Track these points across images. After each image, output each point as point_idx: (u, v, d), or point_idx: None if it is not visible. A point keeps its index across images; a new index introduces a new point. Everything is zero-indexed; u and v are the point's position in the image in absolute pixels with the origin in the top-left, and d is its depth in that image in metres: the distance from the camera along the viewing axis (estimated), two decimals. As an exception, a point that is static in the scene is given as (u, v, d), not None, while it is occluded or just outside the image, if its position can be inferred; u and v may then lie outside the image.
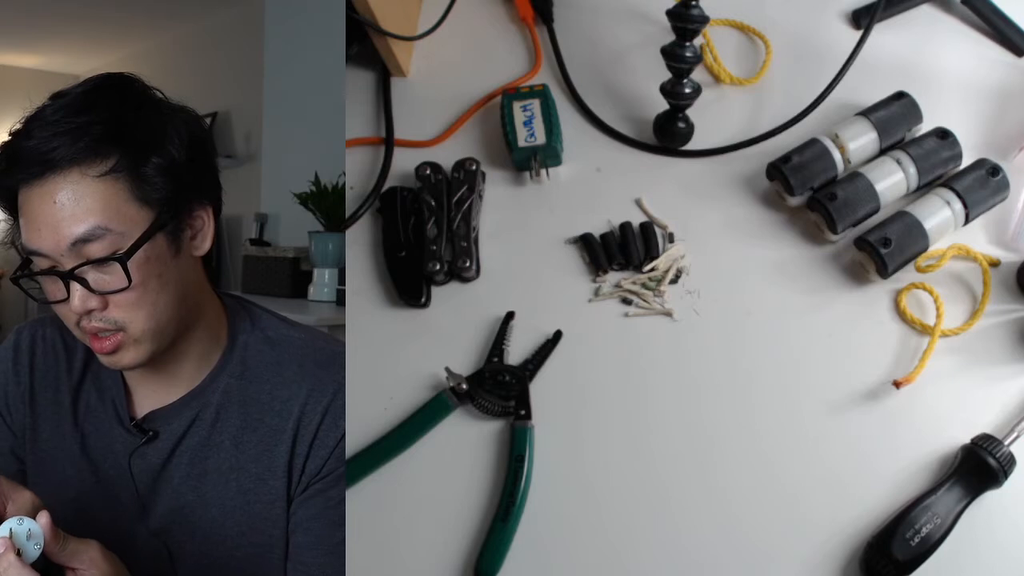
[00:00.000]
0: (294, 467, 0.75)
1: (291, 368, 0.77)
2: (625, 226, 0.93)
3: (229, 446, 0.77)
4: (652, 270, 0.90)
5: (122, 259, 0.68)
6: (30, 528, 0.61)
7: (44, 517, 0.62)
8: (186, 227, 0.74)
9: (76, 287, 0.69)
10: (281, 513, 0.76)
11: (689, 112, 0.96)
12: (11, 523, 0.61)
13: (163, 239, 0.71)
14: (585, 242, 0.93)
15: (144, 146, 0.70)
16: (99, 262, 0.68)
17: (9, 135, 0.70)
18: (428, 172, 0.96)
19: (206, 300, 0.79)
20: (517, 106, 0.97)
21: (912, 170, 0.90)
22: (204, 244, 0.76)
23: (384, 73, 1.06)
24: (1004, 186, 0.89)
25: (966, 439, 0.79)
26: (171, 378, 0.78)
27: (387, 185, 0.99)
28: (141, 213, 0.70)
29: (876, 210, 0.89)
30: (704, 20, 0.88)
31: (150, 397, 0.79)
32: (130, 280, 0.68)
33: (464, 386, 0.85)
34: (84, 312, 0.69)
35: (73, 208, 0.68)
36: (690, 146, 0.97)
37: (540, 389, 0.86)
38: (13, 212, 0.71)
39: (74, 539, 0.64)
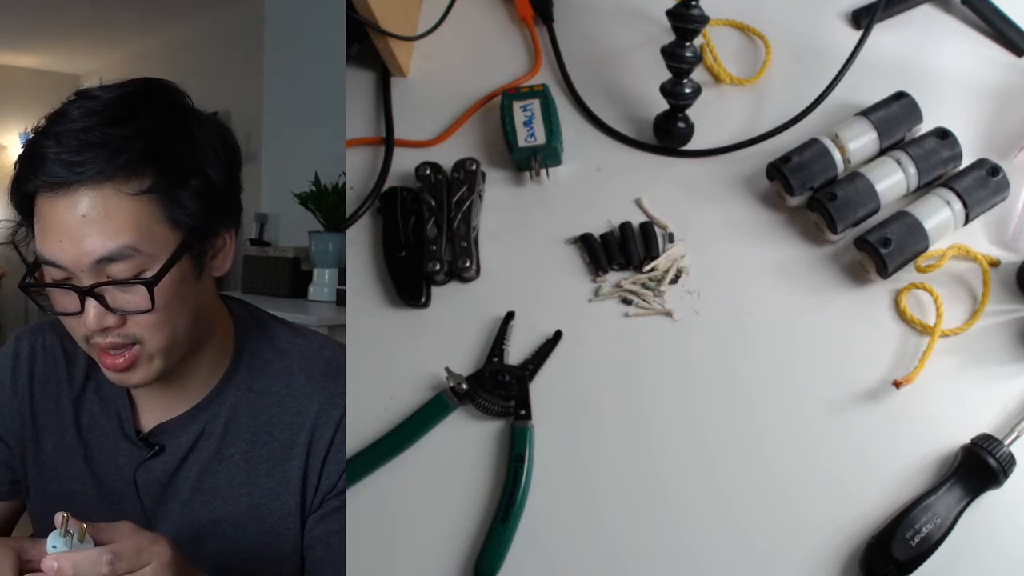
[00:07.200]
0: (308, 482, 0.75)
1: (300, 379, 0.76)
2: (625, 226, 0.93)
3: (240, 461, 0.75)
4: (652, 270, 0.90)
5: (150, 284, 0.65)
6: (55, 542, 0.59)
7: (59, 515, 0.59)
8: (209, 248, 0.71)
9: (92, 303, 0.66)
10: (293, 527, 0.75)
11: (689, 112, 0.96)
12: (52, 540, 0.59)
13: (188, 261, 0.69)
14: (585, 242, 0.93)
15: (184, 167, 0.67)
16: (123, 283, 0.65)
17: (32, 134, 0.66)
18: (428, 172, 0.96)
19: (217, 314, 0.77)
20: (517, 106, 0.97)
21: (912, 170, 0.90)
22: (225, 264, 0.73)
23: (384, 73, 1.06)
24: (1004, 186, 0.89)
25: (966, 439, 0.79)
26: (178, 390, 0.76)
27: (387, 185, 0.99)
28: (171, 235, 0.67)
29: (876, 210, 0.89)
30: (704, 20, 0.88)
31: (155, 409, 0.77)
32: (154, 303, 0.66)
33: (464, 386, 0.85)
34: (99, 329, 0.67)
35: (102, 225, 0.64)
36: (690, 146, 0.97)
37: (540, 389, 0.86)
38: (28, 216, 0.68)
39: (104, 524, 0.62)
